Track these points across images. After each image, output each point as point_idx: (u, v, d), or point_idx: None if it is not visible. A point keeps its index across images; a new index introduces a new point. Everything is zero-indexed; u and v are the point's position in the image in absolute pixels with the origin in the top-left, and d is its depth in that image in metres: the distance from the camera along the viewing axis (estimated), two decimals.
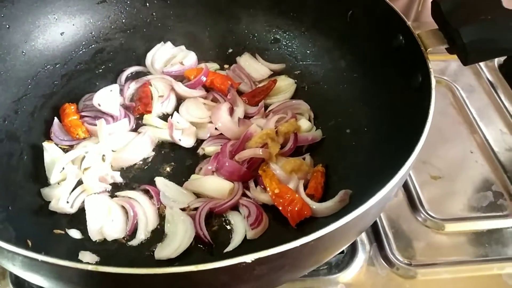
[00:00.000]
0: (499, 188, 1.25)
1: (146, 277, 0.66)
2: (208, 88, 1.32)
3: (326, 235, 0.71)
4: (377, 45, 1.15)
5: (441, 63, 1.63)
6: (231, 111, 1.24)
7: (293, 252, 0.70)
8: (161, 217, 1.05)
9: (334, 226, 0.71)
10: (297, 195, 1.04)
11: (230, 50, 1.42)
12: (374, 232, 1.15)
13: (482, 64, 1.63)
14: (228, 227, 1.05)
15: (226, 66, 1.40)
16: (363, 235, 1.14)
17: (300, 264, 0.78)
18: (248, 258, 0.68)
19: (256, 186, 1.11)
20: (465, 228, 1.17)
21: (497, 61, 1.64)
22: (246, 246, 1.01)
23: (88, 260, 0.95)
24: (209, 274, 0.69)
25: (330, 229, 0.71)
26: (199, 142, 1.21)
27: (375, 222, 1.16)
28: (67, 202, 1.03)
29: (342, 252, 1.09)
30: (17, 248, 0.69)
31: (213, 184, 1.08)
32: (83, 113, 1.22)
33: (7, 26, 1.20)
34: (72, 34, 1.33)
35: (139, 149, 1.15)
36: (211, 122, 1.21)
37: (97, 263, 0.95)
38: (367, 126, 1.16)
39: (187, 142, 1.18)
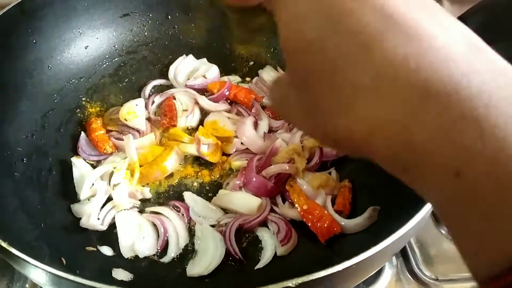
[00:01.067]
0: None
1: None
2: (231, 102, 1.33)
3: (367, 258, 0.72)
4: None
5: None
6: (256, 125, 1.24)
7: (336, 275, 0.70)
8: (191, 233, 1.06)
9: (377, 249, 0.72)
10: (326, 212, 1.05)
11: (252, 63, 1.43)
12: None
13: None
14: (257, 243, 1.06)
15: (247, 79, 1.41)
16: None
17: (340, 286, 0.79)
18: (292, 282, 0.69)
19: (283, 202, 1.11)
20: None
21: None
22: (276, 263, 1.02)
23: (122, 277, 0.95)
24: None
25: (372, 252, 0.72)
26: (225, 156, 1.21)
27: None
28: (98, 218, 1.04)
29: None
30: (57, 271, 0.71)
31: (242, 200, 1.09)
32: (109, 128, 1.23)
33: (34, 41, 1.21)
34: (96, 47, 1.34)
35: (166, 164, 1.15)
36: (236, 136, 1.22)
37: (130, 281, 0.96)
38: None
39: (213, 157, 1.19)
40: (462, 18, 1.01)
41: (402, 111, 0.38)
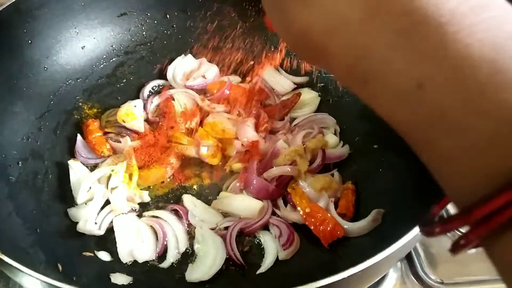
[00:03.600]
0: None
1: None
2: (231, 102, 1.30)
3: (373, 264, 0.70)
4: None
5: None
6: (257, 126, 1.22)
7: (342, 282, 0.68)
8: (191, 237, 1.04)
9: (382, 256, 0.70)
10: (328, 215, 1.02)
11: (252, 63, 1.40)
12: None
13: None
14: (259, 247, 1.04)
15: (248, 79, 1.38)
16: None
17: None
18: None
19: (285, 205, 1.09)
20: None
21: None
22: (278, 267, 0.99)
23: (122, 282, 0.93)
24: None
25: (378, 259, 0.70)
26: (226, 158, 1.19)
27: None
28: (95, 223, 1.01)
29: None
30: (55, 281, 0.68)
31: (242, 203, 1.06)
32: (106, 130, 1.20)
33: (29, 41, 1.18)
34: (93, 47, 1.32)
35: (165, 167, 1.13)
36: (237, 138, 1.19)
37: (130, 285, 0.94)
38: (395, 140, 1.14)
39: (213, 159, 1.16)
40: None
41: (362, 8, 0.36)
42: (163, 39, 1.39)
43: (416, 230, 0.73)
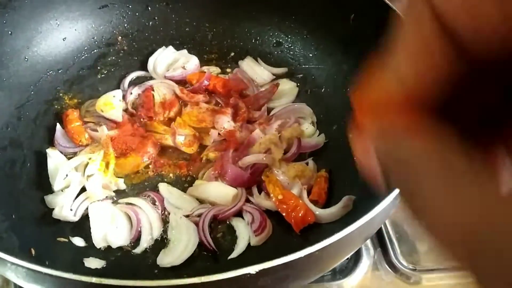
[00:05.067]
0: None
1: None
2: (210, 93, 1.31)
3: (331, 244, 0.71)
4: (380, 47, 1.14)
5: None
6: (234, 116, 1.23)
7: (298, 262, 0.69)
8: (165, 224, 1.05)
9: (340, 235, 0.71)
10: (300, 201, 1.04)
11: (232, 54, 1.41)
12: (379, 237, 1.15)
13: None
14: (232, 233, 1.05)
15: (228, 70, 1.39)
16: (368, 240, 1.13)
17: (305, 274, 0.78)
18: (252, 269, 0.68)
19: (259, 192, 1.10)
20: None
21: None
22: (250, 253, 1.01)
23: (95, 265, 0.95)
24: (213, 286, 0.68)
25: (336, 238, 0.71)
26: (202, 147, 1.20)
27: (380, 227, 1.16)
28: (71, 209, 1.03)
29: (347, 257, 1.09)
30: (21, 261, 0.69)
31: (216, 190, 1.08)
32: (86, 119, 1.22)
33: (10, 32, 1.19)
34: (74, 39, 1.33)
35: (142, 155, 1.14)
36: (214, 127, 1.21)
37: (103, 268, 0.95)
38: None
39: (190, 148, 1.18)
40: None
41: None
42: (144, 31, 1.41)
43: (375, 211, 0.74)
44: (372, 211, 0.74)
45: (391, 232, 1.15)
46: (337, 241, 0.71)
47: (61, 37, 1.31)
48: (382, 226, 1.16)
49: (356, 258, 1.10)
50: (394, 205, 0.85)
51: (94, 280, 0.65)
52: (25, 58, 1.24)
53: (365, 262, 1.10)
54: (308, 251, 0.69)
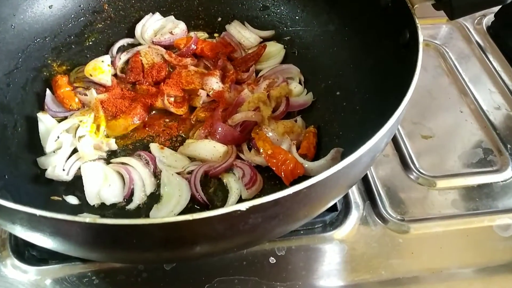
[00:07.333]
0: (488, 145, 1.27)
1: (143, 227, 0.68)
2: (198, 56, 1.32)
3: (317, 183, 0.73)
4: (365, 6, 1.15)
5: (431, 29, 1.64)
6: (223, 78, 1.24)
7: (286, 200, 0.71)
8: (158, 181, 1.07)
9: (326, 174, 0.73)
10: (290, 155, 1.06)
11: (219, 19, 1.42)
12: (367, 191, 1.17)
13: (471, 27, 1.64)
14: (223, 189, 1.07)
15: (215, 35, 1.40)
16: (356, 194, 1.16)
17: (293, 213, 0.80)
18: (243, 206, 0.69)
19: (250, 149, 1.12)
20: (456, 184, 1.19)
21: (485, 23, 1.65)
22: None
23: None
24: (205, 224, 0.70)
25: (322, 177, 0.73)
26: (192, 109, 1.21)
27: (368, 181, 1.18)
28: (63, 169, 1.04)
29: (336, 210, 1.11)
30: (17, 205, 0.70)
31: (207, 148, 1.09)
32: (75, 84, 1.22)
33: None
34: (61, 7, 1.33)
35: (132, 116, 1.15)
36: (203, 89, 1.22)
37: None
38: (358, 87, 1.17)
39: (180, 109, 1.19)
40: None
41: None
42: None
43: (359, 152, 0.76)
44: (356, 153, 0.76)
45: (379, 186, 1.18)
46: (323, 180, 0.73)
47: (47, 4, 1.30)
48: (371, 180, 1.18)
49: (345, 211, 1.13)
50: (378, 150, 0.88)
51: (88, 220, 0.67)
52: (12, 25, 1.23)
53: (354, 215, 1.12)
54: (296, 188, 0.71)
